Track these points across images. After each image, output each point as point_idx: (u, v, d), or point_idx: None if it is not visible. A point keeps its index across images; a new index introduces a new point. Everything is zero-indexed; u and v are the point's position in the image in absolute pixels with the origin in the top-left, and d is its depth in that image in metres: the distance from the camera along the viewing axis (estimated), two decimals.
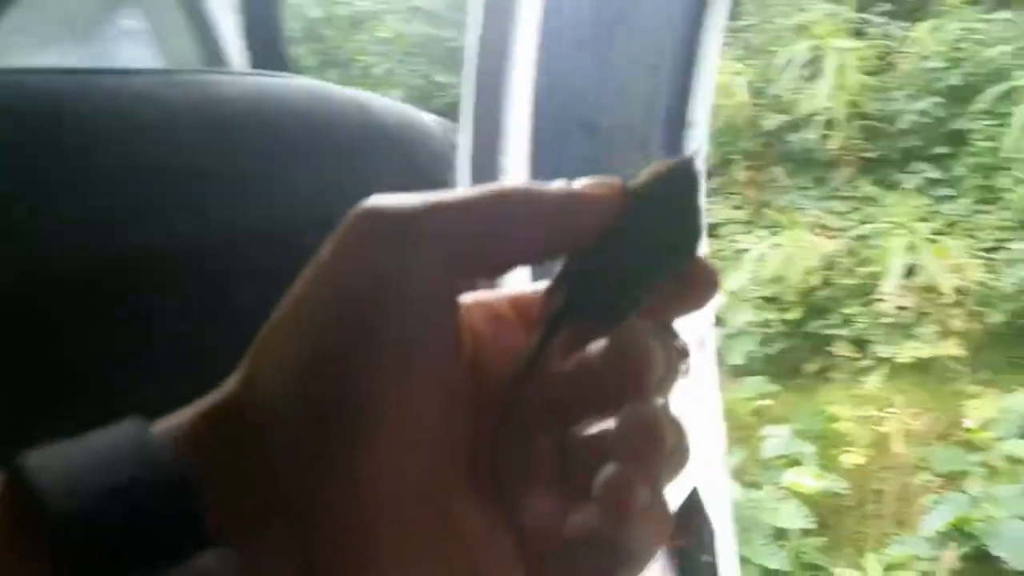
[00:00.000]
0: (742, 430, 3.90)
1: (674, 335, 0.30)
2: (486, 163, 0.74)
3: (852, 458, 3.71)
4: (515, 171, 0.80)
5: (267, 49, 1.37)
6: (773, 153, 5.24)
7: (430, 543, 0.25)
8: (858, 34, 5.06)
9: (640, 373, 0.26)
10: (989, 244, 4.33)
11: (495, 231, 0.26)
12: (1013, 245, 4.26)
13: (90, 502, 0.21)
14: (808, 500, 3.36)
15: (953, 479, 3.57)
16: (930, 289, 4.10)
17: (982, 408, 3.63)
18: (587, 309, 0.28)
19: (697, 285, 0.29)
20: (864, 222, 4.66)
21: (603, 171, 0.28)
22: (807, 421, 3.94)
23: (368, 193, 0.25)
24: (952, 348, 3.99)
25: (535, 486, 0.28)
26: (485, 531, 0.27)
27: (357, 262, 0.25)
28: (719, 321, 3.97)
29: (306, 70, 7.17)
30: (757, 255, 4.40)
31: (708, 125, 2.28)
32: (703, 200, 0.35)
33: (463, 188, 0.33)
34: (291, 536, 0.24)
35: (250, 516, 0.24)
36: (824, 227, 4.60)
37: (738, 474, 3.57)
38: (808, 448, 3.59)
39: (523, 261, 0.27)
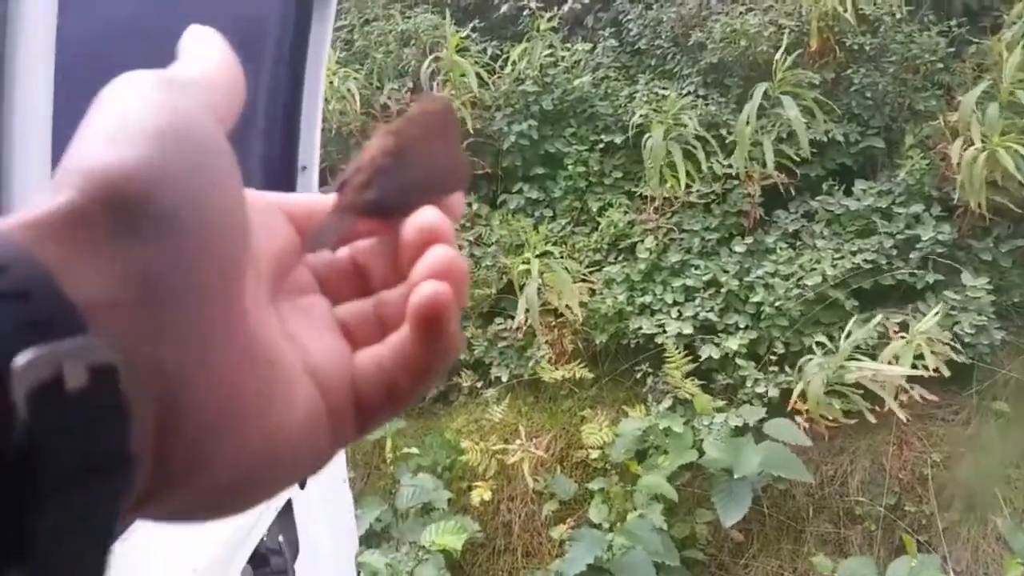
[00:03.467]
0: (378, 475, 3.56)
1: None
2: None
3: (480, 492, 3.56)
4: None
5: None
6: None
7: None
8: (460, 50, 4.99)
9: (437, 232, 0.35)
10: (587, 265, 4.51)
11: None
12: (607, 268, 4.49)
13: None
14: (447, 553, 3.10)
15: (577, 506, 3.59)
16: (544, 311, 4.13)
17: (598, 432, 3.71)
18: (389, 200, 0.39)
19: (451, 210, 0.40)
20: (478, 242, 4.59)
21: None
22: (436, 454, 3.71)
23: None
24: (574, 365, 4.06)
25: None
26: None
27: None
28: None
29: None
30: None
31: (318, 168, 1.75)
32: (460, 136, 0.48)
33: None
34: (146, 325, 0.27)
35: (103, 303, 0.26)
36: None
37: (381, 535, 3.21)
38: (442, 495, 3.33)
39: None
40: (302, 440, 0.33)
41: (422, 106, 0.45)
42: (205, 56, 0.36)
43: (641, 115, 4.50)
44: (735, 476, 3.27)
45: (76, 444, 0.24)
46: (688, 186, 4.36)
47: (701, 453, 3.45)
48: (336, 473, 1.84)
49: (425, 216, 0.36)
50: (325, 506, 1.74)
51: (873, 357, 3.80)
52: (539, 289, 3.95)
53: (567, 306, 3.89)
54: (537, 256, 3.98)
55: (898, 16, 4.66)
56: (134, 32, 1.23)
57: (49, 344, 0.23)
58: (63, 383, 0.23)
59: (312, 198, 0.40)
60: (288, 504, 1.52)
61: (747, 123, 4.08)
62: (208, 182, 0.30)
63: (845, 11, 4.43)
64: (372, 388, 0.35)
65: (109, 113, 0.30)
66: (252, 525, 1.32)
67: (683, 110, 4.34)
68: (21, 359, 0.22)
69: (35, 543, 0.23)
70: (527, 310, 3.85)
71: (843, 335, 3.65)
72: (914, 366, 3.64)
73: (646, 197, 4.64)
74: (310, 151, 1.67)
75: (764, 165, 4.27)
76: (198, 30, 0.37)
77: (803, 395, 3.58)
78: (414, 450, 3.59)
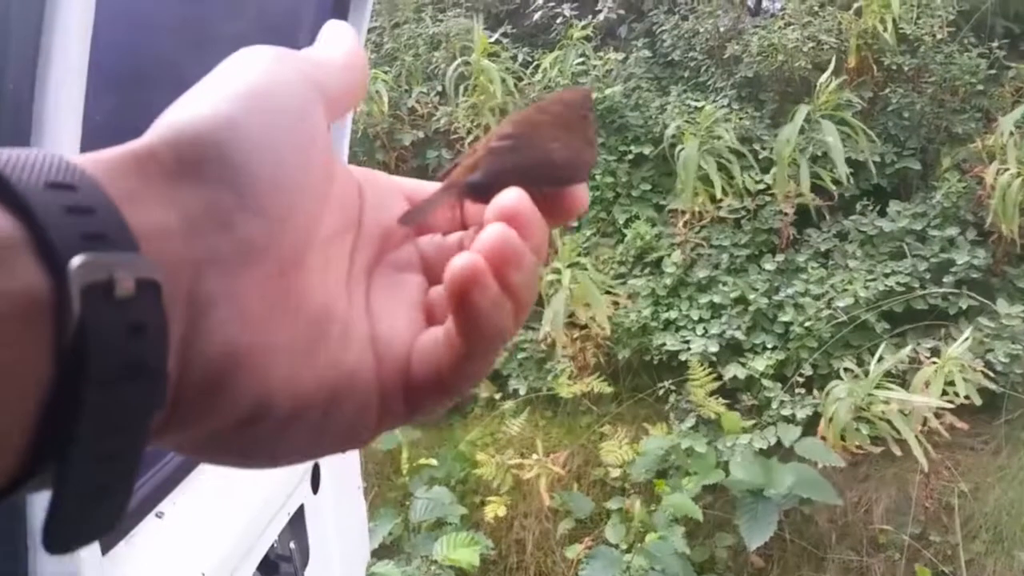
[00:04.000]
0: (389, 487, 3.49)
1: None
2: None
3: (495, 508, 3.48)
4: None
5: None
6: (408, 168, 4.91)
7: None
8: (490, 55, 4.94)
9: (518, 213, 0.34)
10: (612, 278, 4.44)
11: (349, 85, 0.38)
12: (632, 281, 4.41)
13: (42, 192, 0.26)
14: (460, 570, 3.02)
15: (593, 525, 3.51)
16: (567, 324, 4.06)
17: (618, 449, 3.62)
18: (491, 183, 0.37)
19: (568, 203, 0.40)
20: None
21: None
22: (450, 466, 3.63)
23: None
24: (588, 384, 3.97)
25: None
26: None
27: (255, 66, 0.34)
28: None
29: None
30: None
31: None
32: (595, 129, 0.44)
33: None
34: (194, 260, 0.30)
35: (156, 233, 0.29)
36: None
37: (391, 548, 3.14)
38: (456, 510, 3.26)
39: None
40: (339, 403, 0.34)
41: (558, 94, 0.44)
42: (333, 45, 0.39)
43: (676, 127, 4.41)
44: (767, 494, 3.17)
45: (120, 345, 0.26)
46: (718, 201, 4.27)
47: (727, 474, 3.36)
48: (350, 480, 1.79)
49: (503, 197, 0.35)
50: (338, 513, 1.69)
51: (903, 383, 3.70)
52: (555, 300, 3.87)
53: (593, 318, 3.80)
54: (567, 267, 3.90)
55: (939, 37, 4.56)
56: (167, 24, 1.18)
57: (102, 252, 0.26)
58: (113, 288, 0.26)
59: (435, 186, 0.42)
60: (300, 510, 1.47)
61: (787, 143, 3.98)
62: (285, 144, 0.33)
63: (885, 30, 4.33)
64: (422, 367, 0.35)
65: (216, 75, 0.34)
66: (263, 530, 1.27)
67: (718, 123, 4.24)
68: (76, 260, 0.26)
69: (75, 439, 0.25)
70: (552, 320, 3.76)
71: (874, 360, 3.54)
72: (945, 392, 3.54)
73: (674, 211, 4.56)
74: (339, 147, 1.63)
75: (799, 184, 4.18)
76: (336, 24, 0.40)
77: (829, 421, 3.48)
78: (432, 461, 3.51)
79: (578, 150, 0.42)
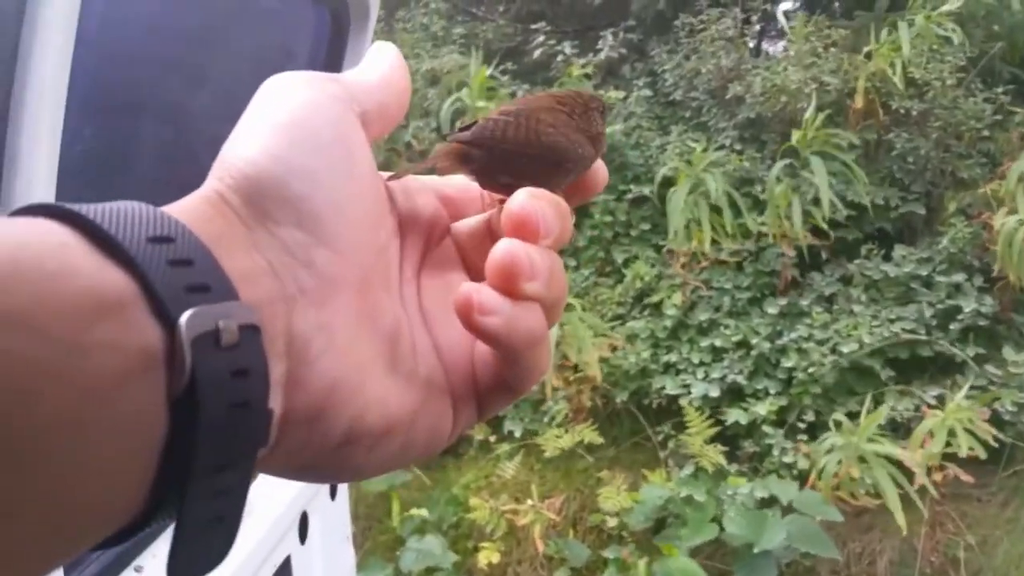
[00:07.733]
0: (381, 530, 3.37)
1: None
2: None
3: (488, 554, 3.35)
4: None
5: None
6: None
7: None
8: (488, 90, 4.90)
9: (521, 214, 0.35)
10: (610, 319, 4.34)
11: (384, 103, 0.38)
12: (631, 323, 4.32)
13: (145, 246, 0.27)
14: None
15: (589, 573, 3.38)
16: (563, 366, 3.96)
17: (615, 496, 3.50)
18: (479, 139, 0.42)
19: (589, 182, 0.44)
20: None
21: None
22: (442, 510, 3.51)
23: None
24: (584, 428, 3.86)
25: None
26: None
27: (297, 95, 0.35)
28: None
29: None
30: None
31: None
32: (601, 127, 0.46)
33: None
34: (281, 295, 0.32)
35: (245, 273, 0.31)
36: None
37: None
38: (448, 557, 3.13)
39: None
40: (421, 415, 0.35)
41: (575, 88, 0.47)
42: (372, 64, 0.40)
43: (671, 168, 4.34)
44: (757, 550, 3.04)
45: (227, 390, 0.28)
46: (717, 242, 4.19)
47: (722, 528, 3.22)
48: (339, 529, 1.70)
49: (511, 203, 0.35)
50: (326, 564, 1.60)
51: (908, 432, 3.58)
52: (558, 343, 3.76)
53: (586, 362, 3.69)
54: None
55: (948, 82, 4.51)
56: (153, 55, 1.12)
57: (208, 304, 0.28)
58: (219, 337, 0.27)
59: (463, 182, 0.44)
60: (287, 561, 1.39)
61: (777, 181, 3.90)
62: (333, 172, 0.34)
63: (895, 73, 4.28)
64: (485, 373, 0.37)
65: (255, 108, 0.35)
66: None
67: (713, 165, 4.16)
68: (186, 314, 0.27)
69: (191, 479, 0.27)
70: None
71: (863, 412, 3.40)
72: (949, 444, 3.42)
73: (674, 251, 4.48)
74: None
75: (794, 224, 4.09)
76: (379, 45, 0.41)
77: (820, 474, 3.35)
78: (423, 512, 3.38)
79: (571, 139, 0.43)
